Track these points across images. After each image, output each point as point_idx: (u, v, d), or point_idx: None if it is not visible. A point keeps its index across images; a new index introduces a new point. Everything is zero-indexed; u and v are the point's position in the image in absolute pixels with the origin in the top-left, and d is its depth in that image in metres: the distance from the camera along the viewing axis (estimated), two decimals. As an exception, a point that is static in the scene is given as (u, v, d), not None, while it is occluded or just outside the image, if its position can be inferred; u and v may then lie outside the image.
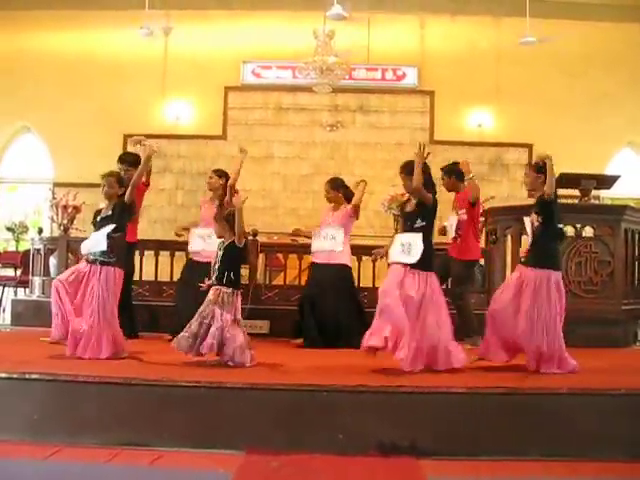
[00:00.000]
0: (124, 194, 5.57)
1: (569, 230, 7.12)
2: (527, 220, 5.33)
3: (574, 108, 11.94)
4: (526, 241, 5.53)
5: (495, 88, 12.14)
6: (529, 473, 3.70)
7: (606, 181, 7.86)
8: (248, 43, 12.34)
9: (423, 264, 5.09)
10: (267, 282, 8.40)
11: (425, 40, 12.47)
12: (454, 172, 6.88)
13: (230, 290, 5.24)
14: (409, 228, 5.23)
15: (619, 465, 3.83)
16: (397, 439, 3.97)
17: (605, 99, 11.91)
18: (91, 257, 5.46)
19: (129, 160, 6.75)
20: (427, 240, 5.17)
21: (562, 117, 11.83)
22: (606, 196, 10.34)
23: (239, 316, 5.26)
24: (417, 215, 5.21)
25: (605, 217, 7.18)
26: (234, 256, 5.36)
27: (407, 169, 5.31)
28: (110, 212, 5.58)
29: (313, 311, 6.78)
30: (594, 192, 7.62)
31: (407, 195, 5.59)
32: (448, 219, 6.85)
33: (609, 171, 11.09)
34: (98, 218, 5.64)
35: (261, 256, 8.28)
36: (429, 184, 5.26)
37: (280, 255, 8.55)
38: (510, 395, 4.30)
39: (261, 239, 8.08)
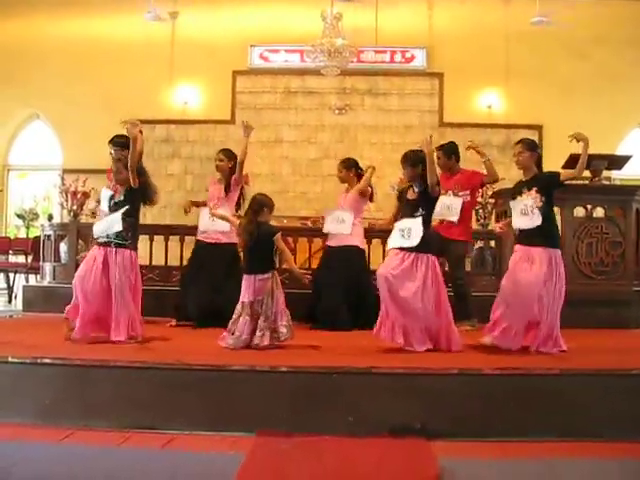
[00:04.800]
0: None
1: (580, 211, 7.11)
2: (524, 198, 5.15)
3: (585, 88, 11.84)
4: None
5: (505, 69, 12.06)
6: (540, 454, 3.69)
7: (617, 161, 7.81)
8: (256, 26, 12.29)
9: (424, 246, 5.10)
10: (277, 266, 8.37)
11: (434, 21, 12.37)
12: (455, 153, 6.89)
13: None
14: (409, 215, 5.23)
15: (630, 446, 3.81)
16: (408, 421, 3.98)
17: (616, 79, 11.81)
18: (104, 239, 5.44)
19: (120, 143, 6.74)
20: (428, 226, 5.21)
21: (572, 98, 11.74)
22: (617, 177, 10.27)
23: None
24: (419, 204, 5.22)
25: (616, 198, 7.14)
26: None
27: (410, 160, 5.28)
28: (122, 197, 5.55)
29: (324, 293, 6.78)
30: (605, 173, 7.57)
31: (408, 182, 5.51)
32: (444, 200, 6.63)
33: (620, 151, 11.02)
34: (111, 203, 5.62)
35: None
36: (435, 174, 5.23)
37: (290, 239, 8.53)
38: (521, 376, 4.29)
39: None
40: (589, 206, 7.06)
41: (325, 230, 7.07)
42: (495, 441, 3.89)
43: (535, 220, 5.06)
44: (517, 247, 5.22)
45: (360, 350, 5.05)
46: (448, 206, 6.63)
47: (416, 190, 5.26)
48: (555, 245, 5.13)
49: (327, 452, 3.65)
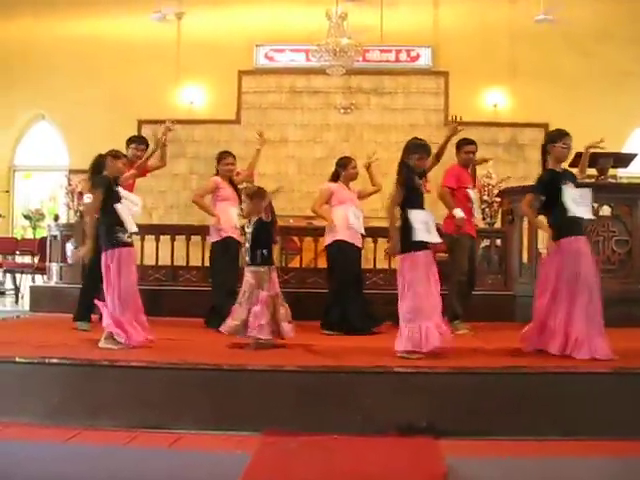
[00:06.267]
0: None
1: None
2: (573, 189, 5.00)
3: (590, 86, 11.80)
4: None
5: (510, 67, 12.03)
6: (546, 453, 3.69)
7: (623, 159, 7.80)
8: (261, 26, 12.29)
9: None
10: (283, 265, 8.39)
11: (439, 20, 12.36)
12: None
13: (266, 268, 5.29)
14: (423, 207, 5.01)
15: (635, 444, 3.79)
16: (415, 419, 3.97)
17: (622, 77, 11.77)
18: (130, 239, 5.28)
19: (146, 142, 6.86)
20: None
21: (578, 96, 11.70)
22: (623, 175, 10.24)
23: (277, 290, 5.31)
24: (423, 195, 5.08)
25: (622, 196, 7.12)
26: (263, 233, 5.40)
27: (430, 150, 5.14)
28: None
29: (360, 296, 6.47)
30: (611, 171, 7.55)
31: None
32: (472, 195, 6.53)
33: (626, 149, 10.99)
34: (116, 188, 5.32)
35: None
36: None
37: (296, 238, 8.54)
38: (527, 375, 4.29)
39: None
40: (595, 204, 7.02)
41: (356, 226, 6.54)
42: (501, 440, 3.89)
43: (590, 212, 5.06)
44: (576, 238, 4.94)
45: (366, 350, 5.05)
46: (474, 201, 6.51)
47: (420, 181, 5.07)
48: None
49: (334, 451, 3.65)
